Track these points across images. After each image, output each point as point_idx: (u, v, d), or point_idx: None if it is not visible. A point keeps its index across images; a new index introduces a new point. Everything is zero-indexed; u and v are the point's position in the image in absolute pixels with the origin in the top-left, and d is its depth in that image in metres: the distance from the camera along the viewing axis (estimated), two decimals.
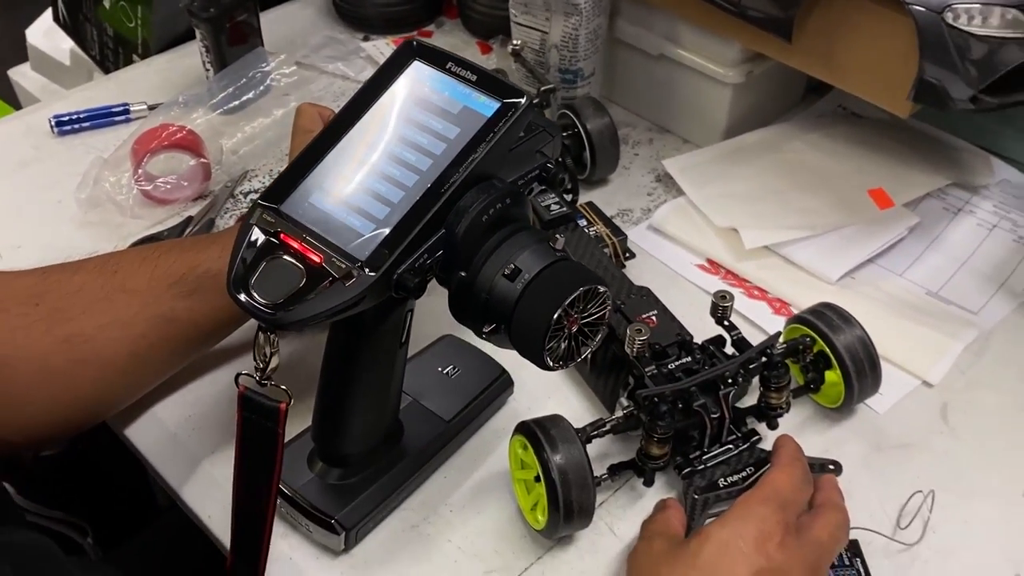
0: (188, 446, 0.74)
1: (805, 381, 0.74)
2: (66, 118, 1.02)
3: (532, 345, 0.56)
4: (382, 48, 1.13)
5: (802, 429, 0.74)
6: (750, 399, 0.73)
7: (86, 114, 1.03)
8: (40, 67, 1.44)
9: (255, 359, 0.58)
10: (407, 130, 0.59)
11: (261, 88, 1.00)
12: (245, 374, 0.59)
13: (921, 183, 0.91)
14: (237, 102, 1.00)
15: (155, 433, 0.75)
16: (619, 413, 0.67)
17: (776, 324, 0.81)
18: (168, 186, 0.91)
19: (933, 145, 0.97)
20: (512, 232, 0.58)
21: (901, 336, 0.79)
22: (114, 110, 1.03)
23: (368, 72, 1.10)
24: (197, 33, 1.01)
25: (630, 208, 0.94)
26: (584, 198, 0.93)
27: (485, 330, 0.57)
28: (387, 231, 0.55)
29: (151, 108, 1.03)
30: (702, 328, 0.75)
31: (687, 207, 0.91)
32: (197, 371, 0.78)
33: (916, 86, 0.74)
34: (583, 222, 0.84)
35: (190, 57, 1.10)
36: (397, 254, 0.55)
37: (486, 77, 0.59)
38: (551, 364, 0.57)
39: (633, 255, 0.86)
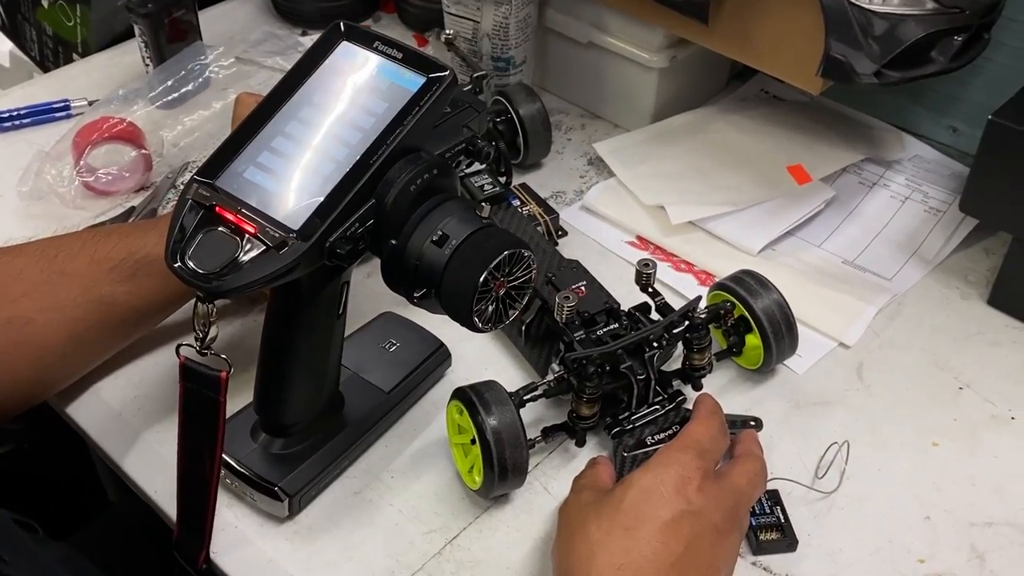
0: (133, 425, 0.75)
1: (727, 345, 0.77)
2: (6, 114, 1.03)
3: (461, 308, 0.59)
4: None
5: (725, 390, 0.78)
6: (676, 364, 0.76)
7: (26, 110, 1.04)
8: None
9: (195, 328, 0.60)
10: (337, 106, 0.62)
11: (200, 81, 1.02)
12: (186, 344, 0.61)
13: (837, 158, 0.96)
14: (177, 95, 1.02)
15: (100, 413, 0.77)
16: (550, 377, 0.70)
17: (702, 294, 0.85)
18: (110, 177, 0.92)
19: (848, 123, 1.01)
20: (440, 201, 0.61)
21: (819, 302, 0.84)
22: (54, 106, 1.04)
23: None
24: (136, 29, 1.02)
25: (563, 190, 0.97)
26: (518, 181, 0.96)
27: (416, 295, 0.60)
28: (319, 199, 0.58)
29: (91, 103, 1.04)
30: (631, 300, 0.78)
31: (617, 187, 0.95)
32: (141, 351, 0.80)
33: (824, 62, 0.78)
34: (516, 202, 0.87)
35: (130, 55, 1.12)
36: (328, 223, 0.57)
37: (411, 54, 0.62)
38: (480, 326, 0.60)
39: (565, 233, 0.89)
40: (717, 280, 0.78)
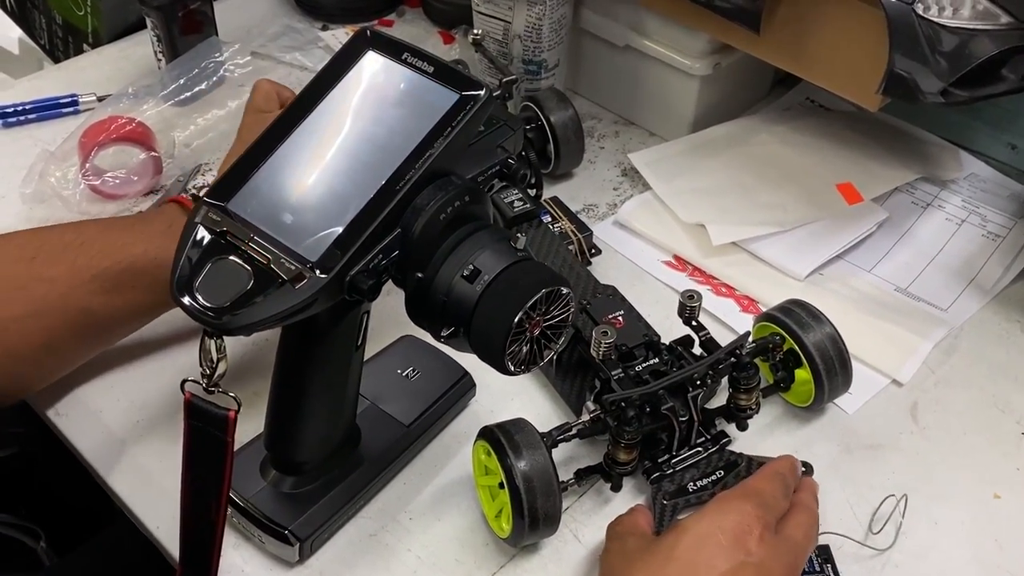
0: (136, 454, 0.71)
1: (775, 380, 0.72)
2: (11, 109, 0.98)
3: (493, 349, 0.54)
4: (340, 38, 1.10)
5: (772, 429, 0.73)
6: (720, 399, 0.71)
7: (32, 105, 0.99)
8: None
9: (201, 364, 0.56)
10: (361, 124, 0.56)
11: (214, 79, 0.97)
12: (191, 381, 0.56)
13: (890, 177, 0.90)
14: (189, 93, 0.96)
15: (101, 438, 0.72)
16: (585, 417, 0.65)
17: (744, 322, 0.80)
18: (117, 181, 0.87)
19: (901, 138, 0.95)
20: (471, 231, 0.55)
21: (870, 334, 0.78)
22: (62, 101, 0.99)
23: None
24: (148, 22, 0.97)
25: (595, 203, 0.92)
26: (548, 193, 0.91)
27: (443, 333, 0.55)
28: (340, 230, 0.53)
29: (100, 99, 0.99)
30: (669, 327, 0.73)
31: (653, 202, 0.89)
32: (146, 372, 0.75)
33: (886, 79, 0.72)
34: (547, 218, 0.82)
35: (143, 46, 1.06)
36: (350, 255, 0.52)
37: (443, 68, 0.56)
38: (512, 369, 0.55)
39: (599, 251, 0.84)
40: (764, 311, 0.72)
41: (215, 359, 0.55)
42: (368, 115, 0.57)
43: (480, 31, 0.93)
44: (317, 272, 0.52)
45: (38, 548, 0.89)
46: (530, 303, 0.53)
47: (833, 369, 0.69)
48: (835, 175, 0.89)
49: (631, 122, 1.01)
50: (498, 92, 0.86)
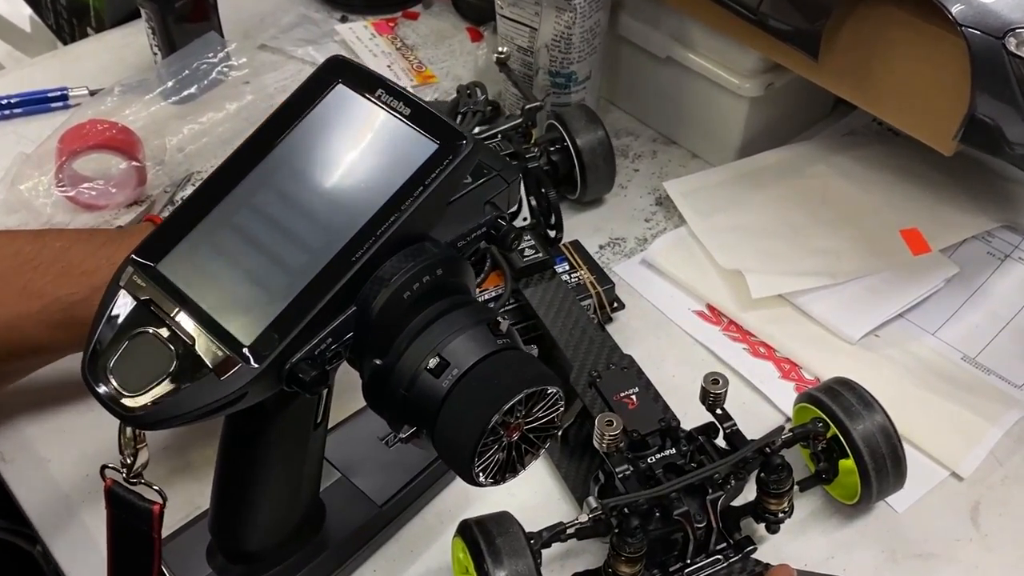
0: (80, 515, 0.63)
1: (816, 470, 0.62)
2: None
3: (459, 458, 0.45)
4: (359, 32, 1.01)
5: (806, 527, 0.62)
6: (748, 492, 0.61)
7: (19, 98, 0.91)
8: (1, 33, 1.32)
9: (121, 452, 0.47)
10: (321, 174, 0.47)
11: (212, 77, 0.88)
12: (111, 467, 0.48)
13: (964, 224, 0.78)
14: (185, 93, 0.88)
15: (45, 492, 0.65)
16: (585, 515, 0.55)
17: (782, 391, 0.69)
18: (94, 192, 0.79)
19: (981, 176, 0.83)
20: (442, 311, 0.46)
21: (929, 415, 0.67)
22: (50, 95, 0.91)
23: None
24: (143, 13, 0.88)
25: (623, 236, 0.81)
26: (573, 221, 0.81)
27: (402, 434, 0.46)
28: (282, 307, 0.44)
29: (92, 94, 0.91)
30: (695, 393, 0.63)
31: (688, 240, 0.79)
32: (99, 418, 0.65)
33: (965, 124, 0.61)
34: (564, 265, 0.72)
35: (146, 35, 0.98)
36: (290, 339, 0.43)
37: (421, 112, 0.47)
38: (483, 480, 0.45)
39: (621, 306, 0.73)
40: (806, 390, 0.62)
41: (135, 448, 0.47)
42: (330, 163, 0.47)
43: (505, 49, 0.82)
44: (249, 360, 0.43)
45: (34, 552, 0.82)
46: (507, 406, 0.44)
47: (884, 467, 0.58)
48: (900, 218, 0.78)
49: (672, 140, 0.91)
50: (520, 120, 0.77)
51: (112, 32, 1.03)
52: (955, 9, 0.60)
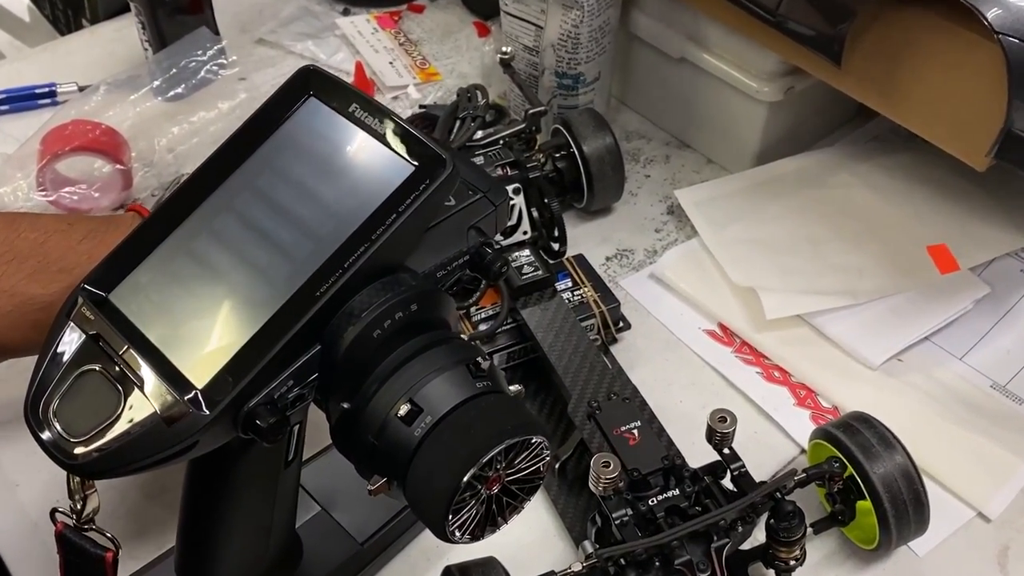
0: (48, 544, 0.59)
1: (832, 511, 0.57)
2: None
3: (430, 514, 0.41)
4: (361, 26, 0.96)
5: (820, 571, 0.58)
6: (758, 534, 0.56)
7: (5, 95, 0.88)
8: (1, 22, 1.29)
9: (70, 498, 0.44)
10: (286, 197, 0.43)
11: (201, 76, 0.84)
12: (61, 512, 0.45)
13: (996, 241, 0.73)
14: (175, 92, 0.84)
15: (12, 519, 0.61)
16: (578, 565, 0.50)
17: (796, 420, 0.65)
18: (75, 197, 0.76)
19: (1016, 189, 0.78)
20: (417, 350, 0.42)
21: (954, 449, 0.63)
22: (38, 91, 0.88)
23: (341, 55, 0.94)
24: (132, 7, 0.85)
25: (631, 248, 0.77)
26: (579, 230, 0.77)
27: (370, 486, 0.42)
28: (238, 346, 0.40)
29: (82, 90, 0.88)
30: (703, 419, 0.58)
31: (700, 254, 0.74)
32: None
33: (1001, 140, 0.56)
34: (567, 282, 0.68)
35: None
36: (246, 382, 0.39)
37: (399, 130, 0.43)
38: (457, 538, 0.41)
39: (627, 326, 0.69)
40: (822, 426, 0.58)
41: (83, 495, 0.43)
42: (298, 186, 0.43)
43: (509, 49, 0.78)
44: (201, 405, 0.39)
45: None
46: (485, 459, 0.39)
47: (904, 512, 0.54)
48: (927, 233, 0.73)
49: (686, 144, 0.86)
50: (522, 126, 0.72)
51: (105, 25, 1.00)
52: (991, 14, 0.55)
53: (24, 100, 0.88)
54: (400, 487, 0.41)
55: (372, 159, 0.43)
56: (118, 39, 0.97)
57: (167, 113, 0.84)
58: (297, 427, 0.47)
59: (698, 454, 0.56)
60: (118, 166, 0.76)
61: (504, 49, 0.77)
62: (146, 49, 0.87)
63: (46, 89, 0.88)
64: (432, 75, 0.92)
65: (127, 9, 0.99)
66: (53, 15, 1.09)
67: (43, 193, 0.75)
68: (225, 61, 0.84)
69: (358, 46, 0.94)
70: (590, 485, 0.51)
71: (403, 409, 0.40)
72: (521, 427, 0.40)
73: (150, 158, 0.81)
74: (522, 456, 0.41)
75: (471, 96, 0.75)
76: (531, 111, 0.70)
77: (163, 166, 0.82)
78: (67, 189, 0.76)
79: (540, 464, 0.42)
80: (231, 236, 0.43)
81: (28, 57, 0.97)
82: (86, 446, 0.39)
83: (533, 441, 0.41)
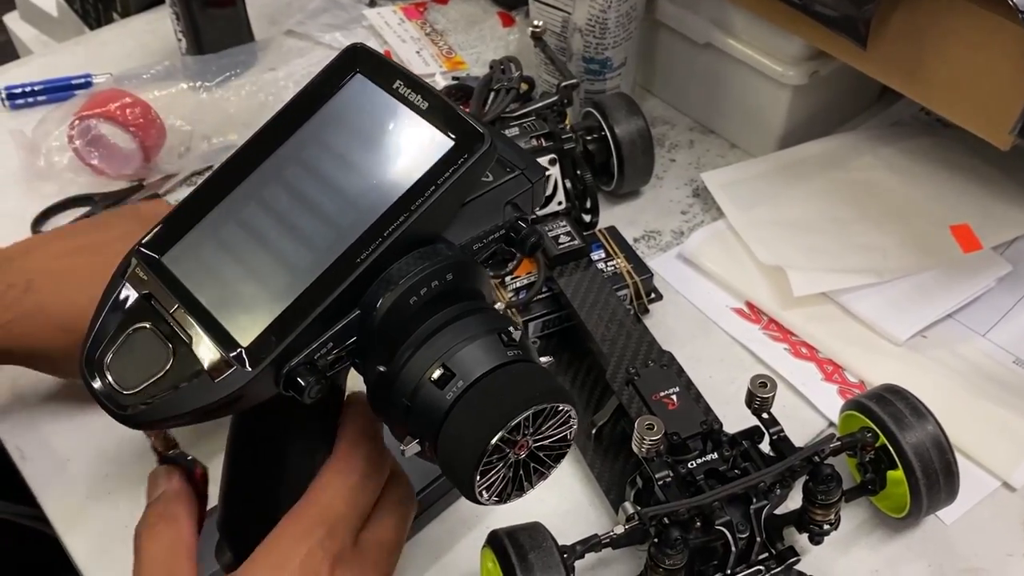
0: (98, 514, 0.61)
1: (862, 480, 0.59)
2: (19, 90, 0.89)
3: (460, 475, 0.42)
4: (387, 17, 0.98)
5: (851, 540, 0.59)
6: (793, 499, 0.58)
7: (42, 86, 0.90)
8: (29, 17, 1.31)
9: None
10: (331, 169, 0.44)
11: (240, 68, 0.86)
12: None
13: (1018, 220, 0.74)
14: (216, 81, 0.86)
15: (62, 490, 0.63)
16: (621, 525, 0.52)
17: (824, 394, 0.66)
18: (96, 157, 0.80)
19: None
20: (452, 318, 0.43)
21: (978, 421, 0.64)
22: (74, 82, 0.90)
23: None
24: None
25: (658, 229, 0.78)
26: (607, 214, 0.78)
27: (403, 447, 0.43)
28: (281, 308, 0.41)
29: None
30: (734, 392, 0.60)
31: (727, 234, 0.76)
32: None
33: (1023, 119, 0.57)
34: (600, 253, 0.69)
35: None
36: (288, 342, 0.41)
37: (439, 105, 0.44)
38: (484, 500, 0.43)
39: (659, 297, 0.71)
40: (855, 397, 0.59)
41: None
42: (343, 158, 0.45)
43: (541, 22, 0.79)
44: (245, 362, 0.40)
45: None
46: (513, 423, 0.41)
47: (935, 481, 0.55)
48: (950, 213, 0.74)
49: (710, 130, 0.87)
50: (555, 98, 0.73)
51: (137, 18, 1.02)
52: None
53: (61, 91, 0.90)
54: (432, 449, 0.43)
55: (413, 133, 0.44)
56: (150, 31, 0.99)
57: (201, 102, 0.86)
58: (338, 391, 0.49)
59: (730, 425, 0.58)
60: (144, 141, 0.78)
61: (536, 23, 0.78)
62: (180, 40, 0.89)
63: (82, 80, 0.90)
64: (458, 64, 0.93)
65: (158, 3, 1.01)
66: (83, 9, 1.11)
67: (74, 145, 0.79)
68: (268, 76, 0.85)
69: (385, 36, 0.96)
70: (633, 447, 0.52)
71: (436, 373, 0.41)
72: (549, 394, 0.42)
73: (187, 144, 0.83)
74: (550, 423, 0.42)
75: (504, 68, 0.76)
76: (564, 83, 0.71)
77: (197, 154, 0.84)
78: (91, 146, 0.78)
79: (567, 432, 0.43)
80: (278, 205, 0.44)
81: (60, 51, 0.99)
82: (135, 397, 0.41)
83: (561, 408, 0.42)
